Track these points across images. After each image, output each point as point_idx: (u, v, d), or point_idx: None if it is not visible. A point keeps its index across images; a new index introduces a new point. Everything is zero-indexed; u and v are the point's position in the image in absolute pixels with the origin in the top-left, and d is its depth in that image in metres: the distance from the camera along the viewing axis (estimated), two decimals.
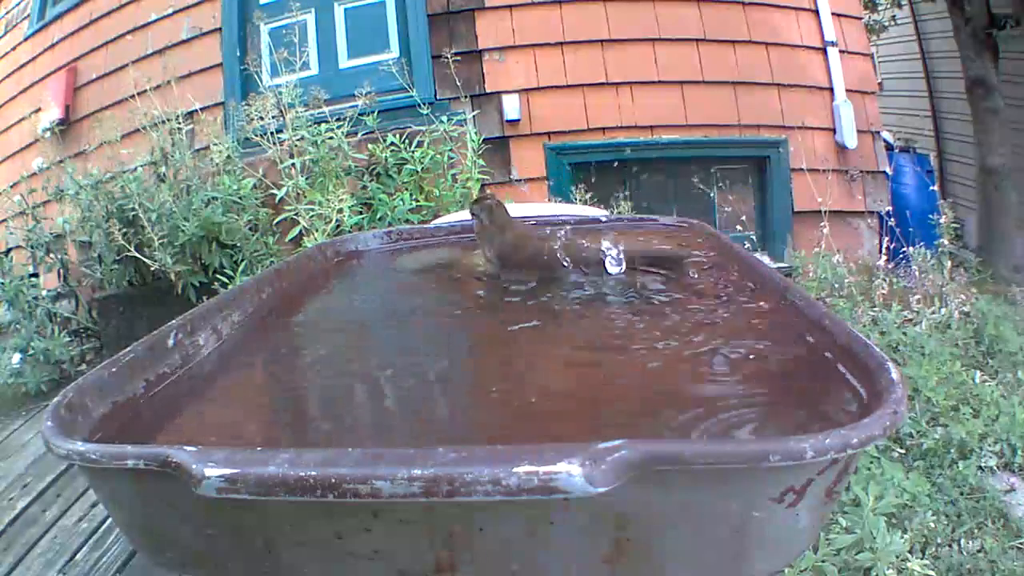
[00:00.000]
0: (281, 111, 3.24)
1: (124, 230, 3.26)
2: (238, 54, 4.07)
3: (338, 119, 3.33)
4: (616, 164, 4.10)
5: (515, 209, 1.27)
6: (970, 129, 5.65)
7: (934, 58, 7.31)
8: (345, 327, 1.05)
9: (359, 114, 3.40)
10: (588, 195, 3.69)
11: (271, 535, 0.59)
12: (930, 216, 3.65)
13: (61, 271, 3.73)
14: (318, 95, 3.36)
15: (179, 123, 3.59)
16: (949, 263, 3.38)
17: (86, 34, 4.61)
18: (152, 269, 3.29)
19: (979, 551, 1.96)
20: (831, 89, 4.18)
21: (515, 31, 3.99)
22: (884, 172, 4.31)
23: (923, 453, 2.34)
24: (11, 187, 3.97)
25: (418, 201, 3.36)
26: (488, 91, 3.94)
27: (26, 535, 2.28)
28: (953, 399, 2.49)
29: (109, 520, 2.23)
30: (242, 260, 3.27)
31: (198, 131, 3.75)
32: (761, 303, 0.96)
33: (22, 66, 5.01)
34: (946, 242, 3.45)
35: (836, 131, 4.16)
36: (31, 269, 3.72)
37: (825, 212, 3.58)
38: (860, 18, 4.57)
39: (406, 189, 3.40)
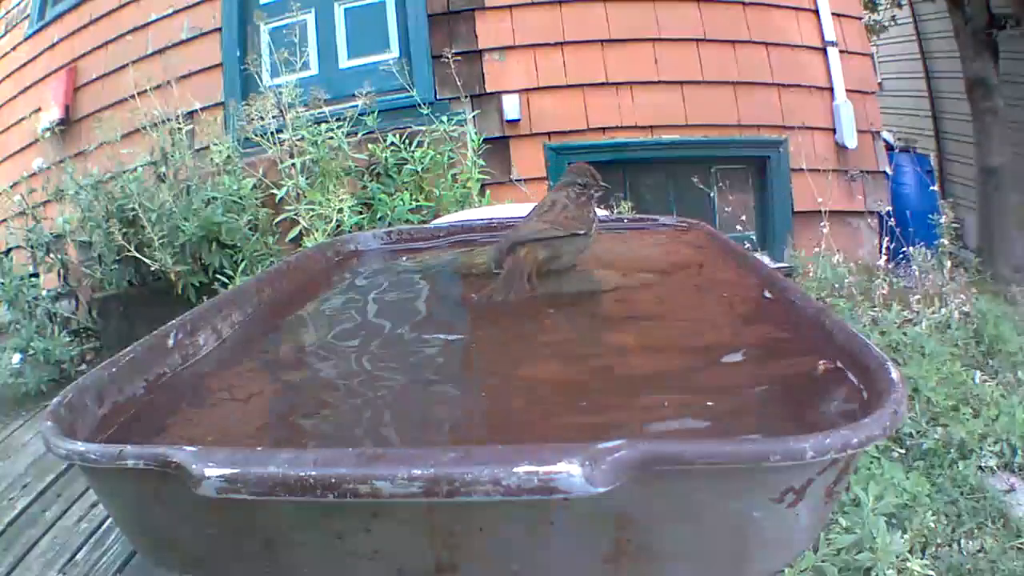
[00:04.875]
0: (281, 111, 3.24)
1: (124, 230, 3.27)
2: (238, 54, 4.07)
3: (338, 119, 3.33)
4: (616, 164, 4.10)
5: (514, 209, 1.27)
6: (970, 129, 5.66)
7: (934, 58, 7.31)
8: (345, 327, 1.05)
9: (359, 114, 3.40)
10: None
11: (271, 535, 0.59)
12: (930, 216, 3.65)
13: (61, 271, 3.73)
14: (318, 95, 3.36)
15: (179, 123, 3.60)
16: (949, 263, 3.38)
17: (86, 34, 4.62)
18: (152, 269, 3.29)
19: (979, 551, 1.97)
20: (831, 89, 4.18)
21: (515, 31, 3.99)
22: (884, 172, 4.32)
23: (923, 453, 2.34)
24: (11, 187, 3.97)
25: (418, 201, 3.36)
26: (488, 91, 3.94)
27: (26, 535, 2.29)
28: (953, 399, 2.49)
29: (109, 520, 2.23)
30: (242, 260, 3.28)
31: (198, 131, 3.75)
32: (760, 303, 0.96)
33: (22, 66, 5.01)
34: (946, 242, 3.45)
35: (836, 131, 4.16)
36: (31, 269, 3.72)
37: (825, 212, 3.58)
38: (860, 18, 4.58)
39: (406, 189, 3.40)
